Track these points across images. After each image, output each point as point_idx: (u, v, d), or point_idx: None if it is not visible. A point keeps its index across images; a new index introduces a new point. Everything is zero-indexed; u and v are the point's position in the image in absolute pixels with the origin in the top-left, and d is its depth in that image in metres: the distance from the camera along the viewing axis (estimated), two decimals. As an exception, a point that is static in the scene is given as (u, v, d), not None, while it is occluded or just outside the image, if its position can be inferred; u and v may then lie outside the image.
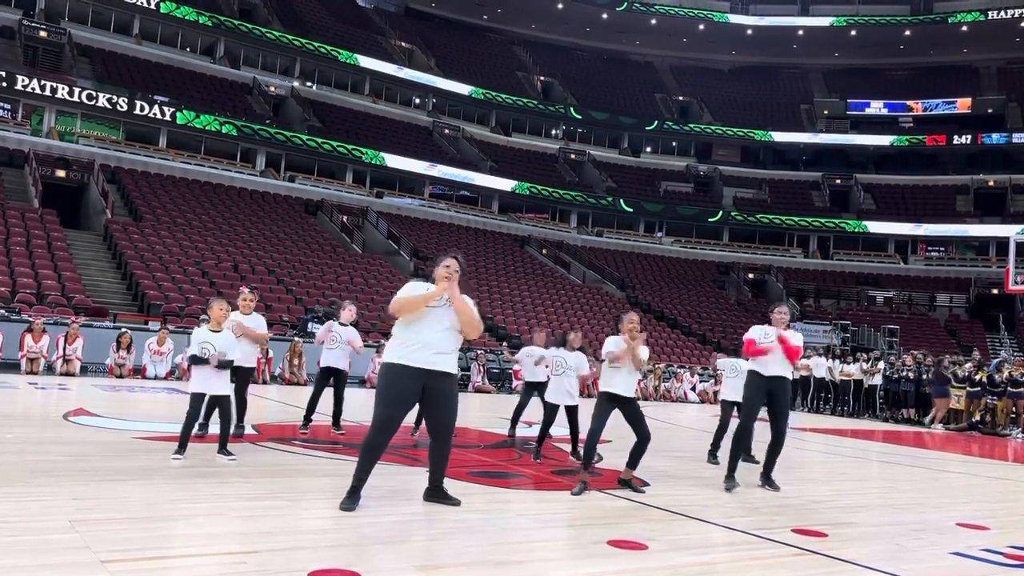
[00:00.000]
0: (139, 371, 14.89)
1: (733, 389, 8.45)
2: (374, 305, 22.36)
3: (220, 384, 6.49)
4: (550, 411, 7.91)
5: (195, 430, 7.35)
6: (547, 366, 8.21)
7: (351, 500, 4.80)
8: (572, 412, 7.88)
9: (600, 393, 6.36)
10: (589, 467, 6.23)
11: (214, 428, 6.97)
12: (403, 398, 4.89)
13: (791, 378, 6.96)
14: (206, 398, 6.48)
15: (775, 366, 6.80)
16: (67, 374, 13.96)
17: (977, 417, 16.93)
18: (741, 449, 6.99)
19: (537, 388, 8.89)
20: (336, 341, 8.56)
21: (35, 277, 18.57)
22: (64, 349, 14.17)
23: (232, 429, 6.77)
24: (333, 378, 8.62)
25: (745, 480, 6.96)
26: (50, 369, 14.13)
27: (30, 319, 14.59)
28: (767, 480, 6.80)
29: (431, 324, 4.94)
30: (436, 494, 5.14)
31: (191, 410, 6.41)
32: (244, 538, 4.11)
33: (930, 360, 18.74)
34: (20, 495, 4.59)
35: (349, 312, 8.78)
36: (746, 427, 7.00)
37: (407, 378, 4.88)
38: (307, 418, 8.51)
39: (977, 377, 17.01)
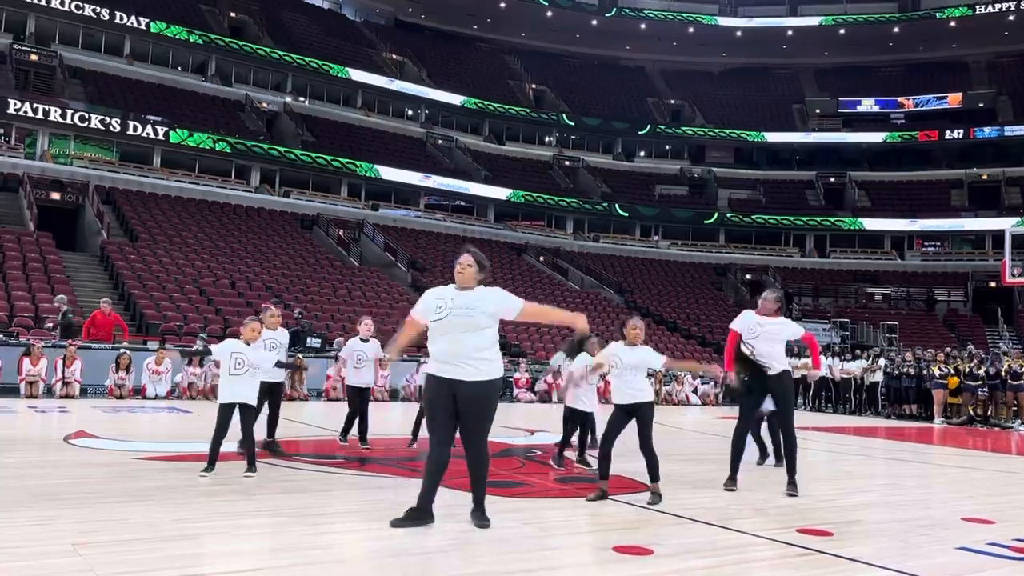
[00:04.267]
0: (139, 391, 14.85)
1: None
2: (373, 318, 22.31)
3: (247, 392, 6.55)
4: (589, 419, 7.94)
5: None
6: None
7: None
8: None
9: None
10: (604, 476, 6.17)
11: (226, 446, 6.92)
12: (440, 406, 4.82)
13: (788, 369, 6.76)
14: (235, 408, 6.48)
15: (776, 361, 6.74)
16: (67, 397, 13.91)
17: (970, 410, 16.97)
18: (741, 452, 6.86)
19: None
20: (362, 360, 8.56)
21: (32, 300, 18.54)
22: (63, 372, 14.12)
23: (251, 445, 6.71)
24: (359, 396, 8.62)
25: (749, 483, 6.95)
26: (49, 392, 14.09)
27: (28, 342, 14.56)
28: (791, 485, 6.56)
29: (435, 339, 4.85)
30: (473, 513, 4.89)
31: (221, 421, 6.41)
32: (249, 556, 4.10)
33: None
34: (22, 519, 4.57)
35: (367, 327, 8.78)
36: (745, 430, 6.92)
37: (439, 387, 4.83)
38: (345, 431, 8.60)
39: (980, 371, 17.01)
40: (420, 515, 4.75)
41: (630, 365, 6.08)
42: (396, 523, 4.69)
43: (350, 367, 8.69)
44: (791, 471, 6.62)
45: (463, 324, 4.73)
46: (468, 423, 4.79)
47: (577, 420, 7.89)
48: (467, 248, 5.00)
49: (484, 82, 47.27)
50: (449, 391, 4.74)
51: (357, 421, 8.55)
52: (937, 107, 48.34)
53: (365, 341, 8.68)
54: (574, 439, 8.03)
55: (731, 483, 6.68)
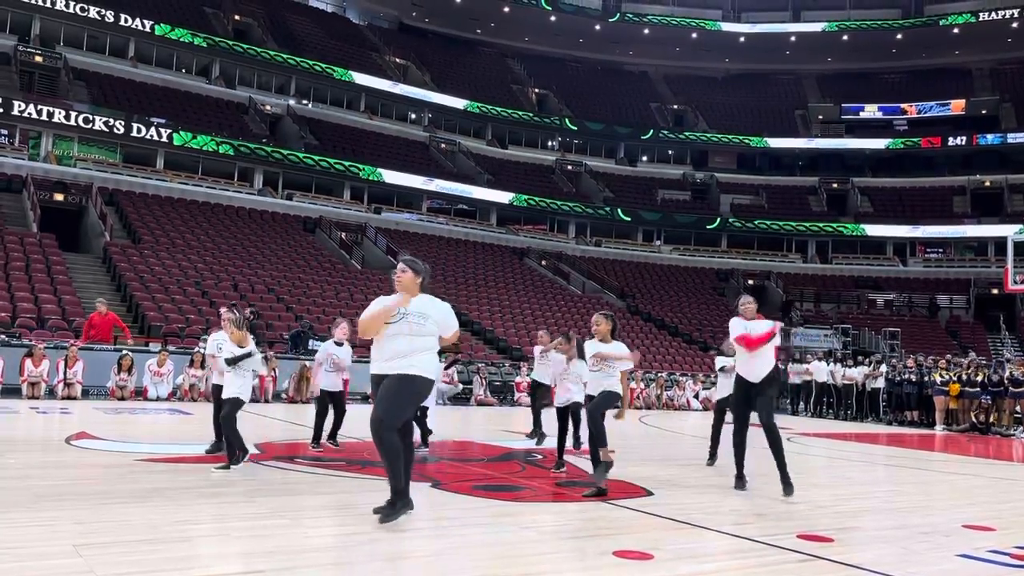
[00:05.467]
0: (140, 393, 14.87)
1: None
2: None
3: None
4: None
5: (207, 449, 7.52)
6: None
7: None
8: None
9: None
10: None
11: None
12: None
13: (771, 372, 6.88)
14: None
15: (763, 368, 6.80)
16: (68, 398, 13.93)
17: (972, 417, 16.94)
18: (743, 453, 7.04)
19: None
20: (335, 363, 8.58)
21: (35, 302, 18.56)
22: (64, 373, 14.14)
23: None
24: (332, 399, 8.65)
25: (748, 488, 6.95)
26: (51, 393, 14.10)
27: (31, 343, 14.58)
28: (784, 484, 6.58)
29: (391, 337, 5.00)
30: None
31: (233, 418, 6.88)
32: (248, 558, 4.10)
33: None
34: (24, 520, 4.58)
35: (342, 331, 8.76)
36: (743, 433, 7.01)
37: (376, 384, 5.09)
38: (316, 438, 8.55)
39: (978, 378, 16.99)
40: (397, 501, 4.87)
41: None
42: (378, 510, 4.82)
43: (323, 370, 8.63)
44: (782, 469, 6.61)
45: (416, 329, 4.97)
46: (377, 403, 4.96)
47: (566, 416, 7.92)
48: (400, 256, 5.30)
49: (487, 86, 47.33)
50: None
51: (332, 420, 8.63)
52: (940, 114, 48.34)
53: (340, 345, 8.68)
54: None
55: (739, 482, 6.87)
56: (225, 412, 6.79)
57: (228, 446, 6.79)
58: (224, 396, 6.99)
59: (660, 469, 7.78)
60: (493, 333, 25.44)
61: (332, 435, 8.66)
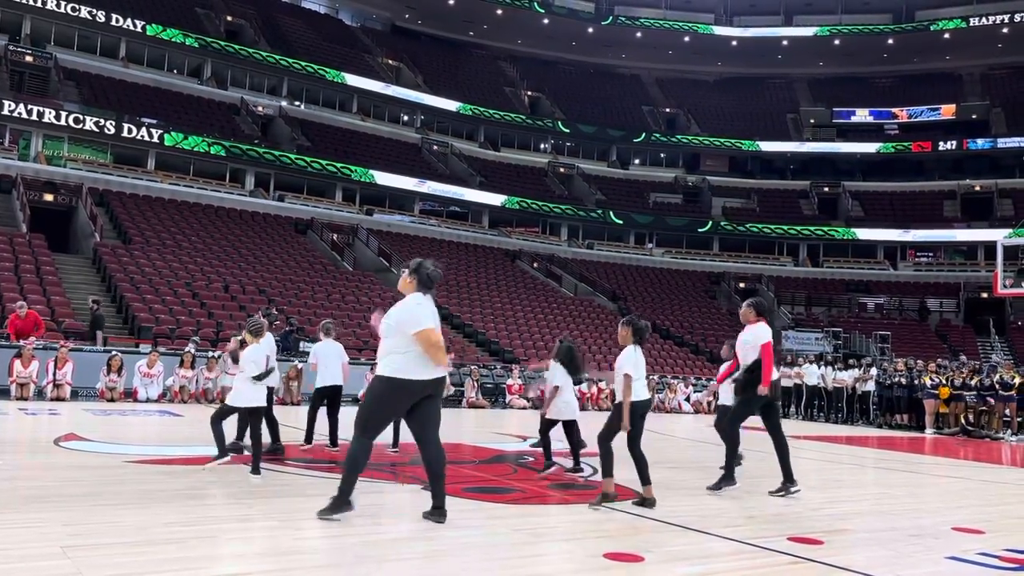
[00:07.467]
0: (130, 394, 14.79)
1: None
2: (367, 323, 22.30)
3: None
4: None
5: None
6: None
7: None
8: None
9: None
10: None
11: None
12: None
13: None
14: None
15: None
16: (57, 399, 13.84)
17: (962, 420, 17.01)
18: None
19: None
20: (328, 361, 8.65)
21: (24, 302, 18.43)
22: (54, 374, 14.05)
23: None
24: (327, 397, 8.66)
25: (740, 490, 6.97)
26: (40, 394, 14.02)
27: (20, 344, 14.48)
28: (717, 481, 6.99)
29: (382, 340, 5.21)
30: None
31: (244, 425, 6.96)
32: (239, 560, 4.09)
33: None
34: (11, 522, 4.55)
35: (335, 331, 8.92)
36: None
37: None
38: (308, 437, 8.61)
39: (973, 383, 17.05)
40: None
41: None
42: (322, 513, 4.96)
43: (320, 368, 8.81)
44: (726, 468, 6.95)
45: (385, 331, 5.11)
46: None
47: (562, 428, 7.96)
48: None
49: (480, 88, 47.33)
50: None
51: (328, 424, 8.67)
52: (931, 118, 48.57)
53: (336, 343, 8.87)
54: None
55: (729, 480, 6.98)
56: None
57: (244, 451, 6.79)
58: None
59: (651, 471, 7.76)
60: (485, 335, 25.42)
61: (332, 440, 8.60)
